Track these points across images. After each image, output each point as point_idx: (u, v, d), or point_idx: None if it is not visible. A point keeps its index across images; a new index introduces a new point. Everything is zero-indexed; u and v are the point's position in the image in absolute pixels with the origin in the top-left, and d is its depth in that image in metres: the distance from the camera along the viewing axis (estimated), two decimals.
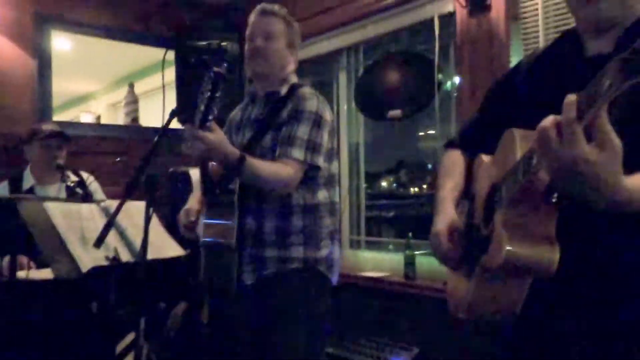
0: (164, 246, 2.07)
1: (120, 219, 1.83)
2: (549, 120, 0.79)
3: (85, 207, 2.02)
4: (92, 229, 1.87)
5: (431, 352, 2.69)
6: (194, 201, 1.98)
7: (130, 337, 2.09)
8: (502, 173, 0.99)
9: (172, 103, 1.96)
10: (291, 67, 1.98)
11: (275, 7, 1.96)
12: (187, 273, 2.49)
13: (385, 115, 3.07)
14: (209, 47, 1.75)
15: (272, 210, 1.83)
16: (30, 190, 2.72)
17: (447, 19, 2.79)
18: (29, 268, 2.26)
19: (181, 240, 2.14)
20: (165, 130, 1.66)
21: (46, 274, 2.07)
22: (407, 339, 2.79)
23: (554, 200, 0.88)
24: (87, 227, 1.92)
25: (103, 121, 4.93)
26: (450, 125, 2.91)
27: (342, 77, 3.56)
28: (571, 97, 0.76)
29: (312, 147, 1.81)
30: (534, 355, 1.11)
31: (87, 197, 2.41)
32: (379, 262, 3.24)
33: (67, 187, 2.61)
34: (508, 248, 0.92)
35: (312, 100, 1.86)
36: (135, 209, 1.87)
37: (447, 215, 1.17)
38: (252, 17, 1.96)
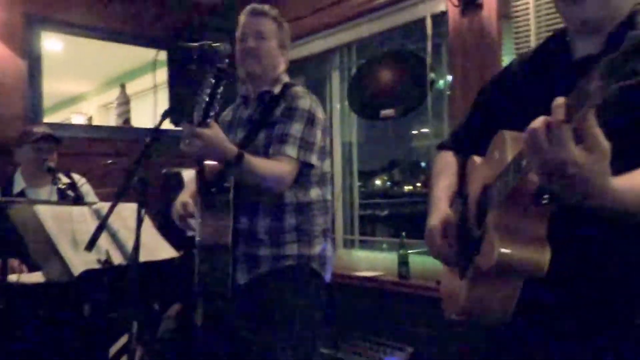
0: (157, 248, 2.06)
1: (112, 221, 1.82)
2: (538, 122, 0.79)
3: (76, 210, 2.01)
4: (83, 231, 1.87)
5: (425, 351, 2.70)
6: (186, 196, 1.97)
7: (123, 339, 2.08)
8: (493, 174, 0.99)
9: (164, 104, 1.95)
10: (282, 67, 1.98)
11: (266, 7, 1.96)
12: (181, 275, 2.48)
13: (378, 115, 3.07)
14: (202, 48, 1.73)
15: (265, 209, 1.84)
16: (21, 193, 2.70)
17: (440, 18, 2.80)
18: (21, 271, 2.25)
19: (174, 242, 2.13)
20: (157, 131, 1.65)
21: (37, 277, 2.06)
22: (401, 338, 2.79)
23: (544, 201, 0.88)
24: (79, 229, 1.91)
25: (94, 122, 4.90)
26: (443, 123, 2.92)
27: (335, 77, 3.57)
28: (560, 100, 0.76)
29: (306, 145, 1.82)
30: (529, 356, 1.11)
31: (78, 200, 2.39)
32: (372, 261, 3.24)
33: (59, 190, 2.59)
34: (500, 250, 0.93)
35: (305, 99, 1.87)
36: (127, 211, 1.86)
37: (441, 212, 1.18)
38: (242, 18, 1.96)
